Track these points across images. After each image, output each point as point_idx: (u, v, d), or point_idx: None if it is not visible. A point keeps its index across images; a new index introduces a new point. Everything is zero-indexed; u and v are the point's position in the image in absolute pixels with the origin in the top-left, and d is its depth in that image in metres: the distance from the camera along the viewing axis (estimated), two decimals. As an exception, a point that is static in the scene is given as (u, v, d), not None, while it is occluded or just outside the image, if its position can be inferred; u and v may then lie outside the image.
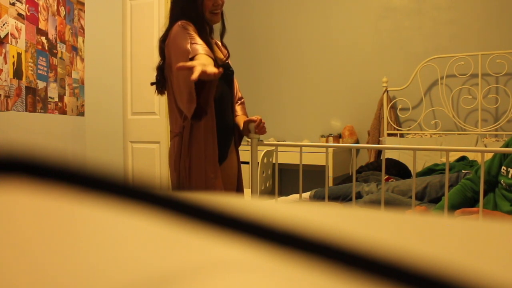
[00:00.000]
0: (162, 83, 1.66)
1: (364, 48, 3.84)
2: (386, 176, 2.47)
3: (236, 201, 0.32)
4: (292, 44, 4.16)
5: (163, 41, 1.62)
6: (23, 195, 0.32)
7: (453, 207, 1.74)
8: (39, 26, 2.73)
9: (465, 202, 1.78)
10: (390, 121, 3.58)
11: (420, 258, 0.19)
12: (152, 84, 1.70)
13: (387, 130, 3.58)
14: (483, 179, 1.58)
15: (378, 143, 3.55)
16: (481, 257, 0.20)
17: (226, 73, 1.67)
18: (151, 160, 3.40)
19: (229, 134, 1.72)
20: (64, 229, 0.24)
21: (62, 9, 2.95)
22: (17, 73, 2.54)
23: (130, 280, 0.17)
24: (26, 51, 2.61)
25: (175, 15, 1.63)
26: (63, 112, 2.98)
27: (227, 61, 1.71)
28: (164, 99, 3.34)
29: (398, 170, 2.75)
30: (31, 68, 2.66)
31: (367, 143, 3.70)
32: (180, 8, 1.61)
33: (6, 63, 2.45)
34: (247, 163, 3.58)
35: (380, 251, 0.11)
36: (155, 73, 1.71)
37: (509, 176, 1.70)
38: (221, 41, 1.75)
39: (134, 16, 3.43)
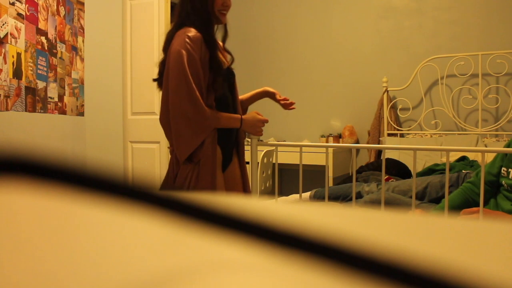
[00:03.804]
0: (162, 79, 1.66)
1: (364, 48, 3.84)
2: (386, 176, 2.47)
3: (236, 201, 0.32)
4: (292, 44, 4.16)
5: (170, 39, 1.61)
6: (23, 195, 0.32)
7: (454, 209, 1.74)
8: (39, 26, 2.73)
9: (467, 204, 1.78)
10: (390, 121, 3.58)
11: (420, 258, 0.19)
12: (154, 80, 1.71)
13: (387, 130, 3.58)
14: (485, 181, 1.57)
15: (378, 143, 3.55)
16: (481, 257, 0.20)
17: (228, 76, 1.68)
18: (151, 160, 3.40)
19: (231, 137, 1.72)
20: (64, 229, 0.24)
21: (62, 9, 2.95)
22: (17, 73, 2.55)
23: (130, 280, 0.17)
24: (25, 51, 2.61)
25: (184, 11, 1.62)
26: (63, 112, 2.98)
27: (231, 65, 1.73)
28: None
29: (398, 170, 2.75)
30: (31, 68, 2.66)
31: (367, 143, 3.70)
32: (190, 5, 1.61)
33: (5, 63, 2.45)
34: (247, 163, 3.57)
35: (380, 251, 0.11)
36: (155, 71, 1.71)
37: (510, 177, 1.70)
38: (223, 46, 1.75)
39: (134, 16, 3.43)
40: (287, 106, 1.85)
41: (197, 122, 1.53)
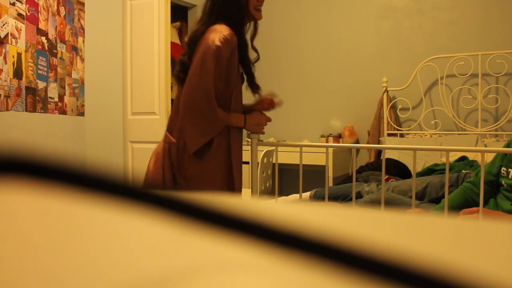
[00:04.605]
0: (184, 73, 1.63)
1: (364, 48, 3.84)
2: (386, 176, 2.47)
3: (236, 201, 0.32)
4: (292, 44, 4.16)
5: (199, 35, 1.57)
6: (23, 195, 0.32)
7: (454, 209, 1.74)
8: (39, 26, 2.73)
9: (466, 204, 1.78)
10: (390, 121, 3.58)
11: (420, 258, 0.19)
12: (173, 75, 1.70)
13: (387, 130, 3.58)
14: (484, 181, 1.58)
15: (378, 143, 3.55)
16: (481, 257, 0.20)
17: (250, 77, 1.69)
18: (151, 160, 3.39)
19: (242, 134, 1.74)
20: (64, 229, 0.24)
21: (62, 9, 2.95)
22: (17, 73, 2.55)
23: (131, 280, 0.17)
24: (26, 51, 2.61)
25: (217, 7, 1.58)
26: (63, 112, 2.98)
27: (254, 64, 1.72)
28: (164, 99, 3.35)
29: (398, 170, 2.75)
30: (31, 68, 2.66)
31: (367, 143, 3.70)
32: (223, 2, 1.56)
33: (6, 63, 2.45)
34: (247, 163, 3.58)
35: (380, 251, 0.11)
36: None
37: (510, 176, 1.70)
38: (252, 44, 1.71)
39: (134, 16, 3.43)
40: (268, 106, 1.77)
41: (210, 120, 1.53)
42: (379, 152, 3.57)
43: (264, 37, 4.27)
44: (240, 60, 1.61)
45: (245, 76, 1.69)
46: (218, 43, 1.50)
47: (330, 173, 3.45)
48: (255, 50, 1.72)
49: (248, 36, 1.70)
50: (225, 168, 1.66)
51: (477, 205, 1.73)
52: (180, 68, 1.64)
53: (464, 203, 1.79)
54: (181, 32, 4.66)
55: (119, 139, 3.46)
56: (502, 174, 1.74)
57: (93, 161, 3.08)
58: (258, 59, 1.72)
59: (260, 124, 1.73)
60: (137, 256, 0.19)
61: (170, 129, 1.66)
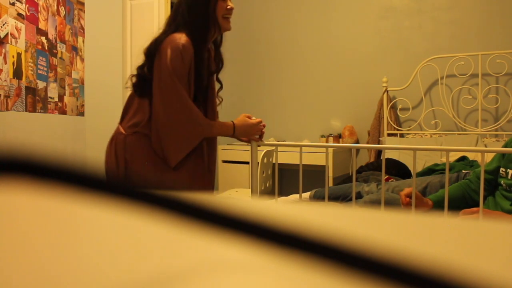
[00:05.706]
0: (142, 85, 1.57)
1: (364, 48, 3.84)
2: (386, 176, 2.47)
3: (236, 201, 0.32)
4: (292, 44, 4.16)
5: (157, 44, 1.52)
6: (23, 195, 0.32)
7: (451, 199, 1.75)
8: (39, 26, 2.73)
9: (463, 198, 1.80)
10: (390, 121, 3.58)
11: (420, 258, 0.19)
12: (133, 85, 1.62)
13: (387, 130, 3.58)
14: (483, 180, 1.58)
15: (378, 143, 3.55)
16: (481, 257, 0.20)
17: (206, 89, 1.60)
18: (151, 160, 3.39)
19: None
20: (64, 229, 0.24)
21: (62, 9, 2.95)
22: (17, 73, 2.54)
23: (130, 280, 0.17)
24: (26, 51, 2.61)
25: (180, 16, 1.53)
26: (63, 112, 2.98)
27: (217, 73, 1.63)
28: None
29: (398, 170, 2.75)
30: (31, 68, 2.66)
31: (367, 143, 3.70)
32: (187, 10, 1.51)
33: (6, 63, 2.45)
34: (247, 163, 3.57)
35: (380, 251, 0.11)
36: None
37: (509, 177, 1.70)
38: (217, 53, 1.63)
39: (134, 16, 3.44)
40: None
41: (191, 128, 1.48)
42: (379, 152, 3.57)
43: (264, 37, 4.29)
44: (194, 74, 1.53)
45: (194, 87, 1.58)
46: (178, 52, 1.45)
47: (330, 173, 3.45)
48: (220, 59, 1.62)
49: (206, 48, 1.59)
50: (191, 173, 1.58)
51: (473, 200, 1.75)
52: (137, 79, 1.58)
53: (461, 197, 1.81)
54: (181, 32, 4.65)
55: (119, 139, 3.45)
56: (501, 174, 1.75)
57: (93, 161, 3.08)
58: (220, 68, 1.61)
59: (250, 132, 1.66)
60: (137, 256, 0.19)
61: (121, 120, 1.63)
